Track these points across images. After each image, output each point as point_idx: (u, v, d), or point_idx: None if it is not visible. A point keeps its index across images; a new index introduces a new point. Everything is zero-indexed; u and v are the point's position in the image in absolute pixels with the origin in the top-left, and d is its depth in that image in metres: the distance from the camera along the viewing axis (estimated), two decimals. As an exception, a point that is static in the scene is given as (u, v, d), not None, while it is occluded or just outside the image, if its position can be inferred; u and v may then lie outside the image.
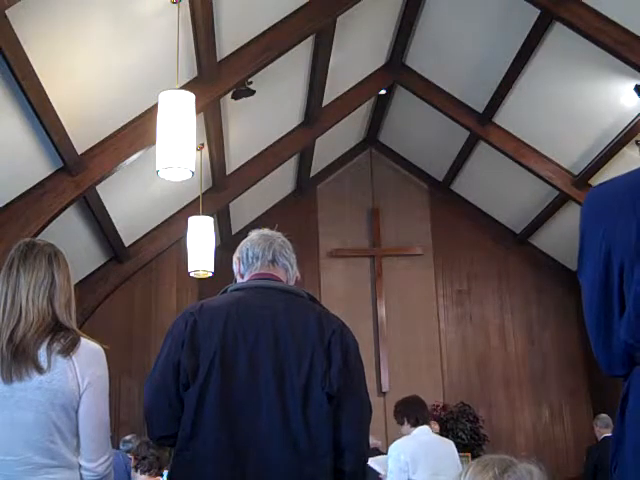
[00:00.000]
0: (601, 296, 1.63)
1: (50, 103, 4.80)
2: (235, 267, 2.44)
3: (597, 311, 1.64)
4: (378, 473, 4.95)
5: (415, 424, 4.48)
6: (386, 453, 6.02)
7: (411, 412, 4.52)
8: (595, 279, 1.63)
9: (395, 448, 4.43)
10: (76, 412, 2.06)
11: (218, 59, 5.72)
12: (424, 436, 4.46)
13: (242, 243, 2.45)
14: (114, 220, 6.87)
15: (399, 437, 4.71)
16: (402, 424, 4.58)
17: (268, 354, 2.17)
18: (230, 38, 5.68)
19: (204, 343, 2.17)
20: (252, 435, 2.11)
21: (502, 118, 7.68)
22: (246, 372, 2.15)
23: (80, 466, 2.08)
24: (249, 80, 6.09)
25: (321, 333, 2.22)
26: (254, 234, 2.45)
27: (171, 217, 7.78)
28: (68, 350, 2.05)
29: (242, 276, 2.42)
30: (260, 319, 2.22)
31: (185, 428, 2.13)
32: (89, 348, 2.11)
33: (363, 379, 2.28)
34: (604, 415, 6.78)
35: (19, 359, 2.00)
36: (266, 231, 2.46)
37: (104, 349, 2.16)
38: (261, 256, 2.37)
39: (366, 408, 2.27)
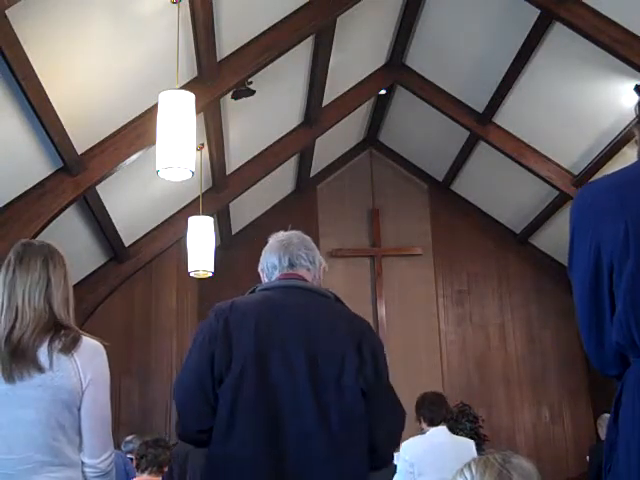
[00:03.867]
0: (591, 296, 1.63)
1: (50, 103, 4.80)
2: (262, 278, 2.47)
3: (588, 311, 1.64)
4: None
5: (430, 424, 4.34)
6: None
7: (426, 411, 4.35)
8: (585, 279, 1.64)
9: (403, 448, 4.32)
10: (79, 409, 2.07)
11: (218, 59, 5.73)
12: (437, 437, 4.30)
13: (262, 253, 2.47)
14: (114, 220, 6.87)
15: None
16: (419, 422, 4.42)
17: (300, 352, 2.18)
18: (230, 38, 5.68)
19: (237, 339, 2.18)
20: (290, 433, 2.11)
21: (502, 118, 7.68)
22: (280, 370, 2.16)
23: (83, 463, 2.08)
24: (249, 80, 6.09)
25: (351, 334, 2.25)
26: (271, 241, 2.47)
27: (171, 217, 7.77)
28: (70, 348, 2.06)
29: None
30: (290, 317, 2.24)
31: (221, 424, 2.13)
32: (90, 345, 2.12)
33: (388, 378, 2.32)
34: (607, 415, 6.77)
35: (18, 360, 2.00)
36: (280, 235, 2.47)
37: (104, 346, 2.17)
38: (278, 264, 2.40)
39: (396, 404, 2.29)
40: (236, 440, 2.10)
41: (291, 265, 2.39)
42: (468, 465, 1.61)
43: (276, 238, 2.47)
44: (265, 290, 2.37)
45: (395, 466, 5.07)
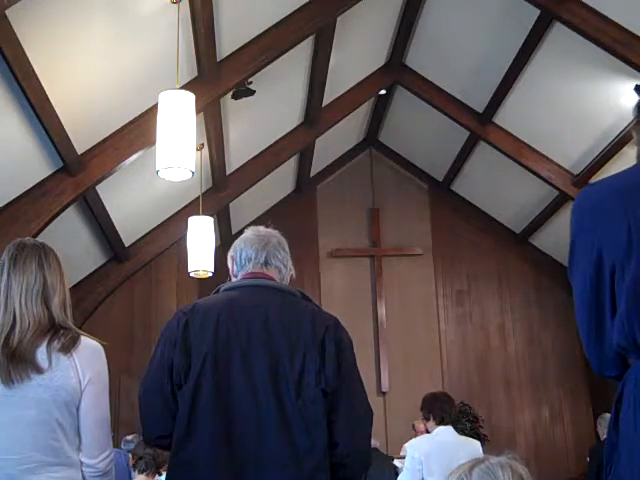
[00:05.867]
0: (592, 298, 1.63)
1: (50, 103, 4.80)
2: (229, 265, 2.45)
3: (588, 313, 1.65)
4: (395, 467, 4.98)
5: (440, 422, 4.37)
6: (386, 453, 6.05)
7: (437, 410, 4.38)
8: (586, 281, 1.64)
9: (411, 446, 4.40)
10: (78, 409, 2.06)
11: (218, 59, 5.73)
12: (444, 437, 4.33)
13: (236, 241, 2.44)
14: (114, 220, 6.88)
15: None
16: (428, 420, 4.46)
17: (262, 352, 2.17)
18: (230, 38, 5.68)
19: (197, 342, 2.17)
20: (249, 433, 2.10)
21: (502, 118, 7.68)
22: (240, 371, 2.15)
23: (81, 463, 2.08)
24: (249, 80, 6.09)
25: (314, 330, 2.21)
26: (249, 233, 2.43)
27: (171, 217, 7.78)
28: (69, 348, 2.05)
29: (236, 276, 2.42)
30: (253, 317, 2.22)
31: (180, 429, 2.12)
32: (89, 345, 2.12)
33: (358, 375, 2.28)
34: (607, 415, 6.77)
35: (16, 364, 1.99)
36: (261, 230, 2.44)
37: (103, 345, 2.17)
38: (254, 258, 2.37)
39: (362, 405, 2.26)
40: (195, 443, 2.10)
41: (266, 262, 2.36)
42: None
43: (255, 232, 2.43)
44: (230, 290, 2.35)
45: (395, 466, 5.10)
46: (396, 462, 5.07)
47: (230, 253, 2.44)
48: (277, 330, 2.20)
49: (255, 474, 2.07)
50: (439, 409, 4.37)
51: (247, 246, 2.39)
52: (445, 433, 4.35)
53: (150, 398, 2.21)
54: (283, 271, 2.40)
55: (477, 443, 4.46)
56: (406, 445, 4.52)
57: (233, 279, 2.43)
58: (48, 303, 2.10)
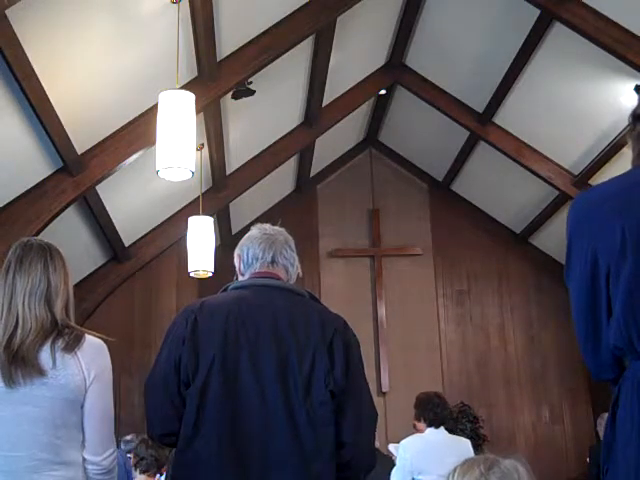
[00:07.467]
0: (589, 302, 1.64)
1: (50, 103, 4.80)
2: (236, 263, 2.44)
3: (585, 317, 1.66)
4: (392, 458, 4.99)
5: (430, 424, 4.37)
6: (386, 454, 6.06)
7: (429, 412, 4.39)
8: (582, 284, 1.65)
9: (401, 446, 4.40)
10: (82, 407, 2.07)
11: (218, 59, 5.73)
12: (434, 436, 4.35)
13: (243, 239, 2.44)
14: (114, 220, 6.88)
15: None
16: (418, 421, 4.48)
17: (270, 353, 2.17)
18: (230, 38, 5.68)
19: (205, 341, 2.17)
20: (256, 433, 2.10)
21: (502, 118, 7.68)
22: (248, 371, 2.14)
23: (86, 460, 2.08)
24: (249, 80, 6.09)
25: (323, 331, 2.21)
26: (255, 231, 2.43)
27: (171, 217, 7.78)
28: (73, 346, 2.06)
29: (242, 274, 2.42)
30: (261, 317, 2.22)
31: (187, 427, 2.12)
32: (93, 343, 2.13)
33: (364, 376, 2.29)
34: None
35: (18, 366, 2.00)
36: (268, 228, 2.44)
37: (107, 342, 2.17)
38: (261, 257, 2.37)
39: (368, 406, 2.27)
40: (201, 442, 2.10)
41: (273, 261, 2.37)
42: (454, 469, 1.62)
43: (262, 230, 2.43)
44: (237, 289, 2.34)
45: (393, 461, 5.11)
46: (391, 447, 5.08)
47: (237, 251, 2.43)
48: (285, 331, 2.20)
49: (261, 474, 2.07)
50: (431, 411, 4.37)
51: (254, 244, 2.39)
52: (436, 433, 4.37)
53: (156, 395, 2.21)
54: (290, 270, 2.40)
55: (467, 442, 4.48)
56: (397, 444, 4.54)
57: (240, 277, 2.43)
58: (51, 305, 2.11)
